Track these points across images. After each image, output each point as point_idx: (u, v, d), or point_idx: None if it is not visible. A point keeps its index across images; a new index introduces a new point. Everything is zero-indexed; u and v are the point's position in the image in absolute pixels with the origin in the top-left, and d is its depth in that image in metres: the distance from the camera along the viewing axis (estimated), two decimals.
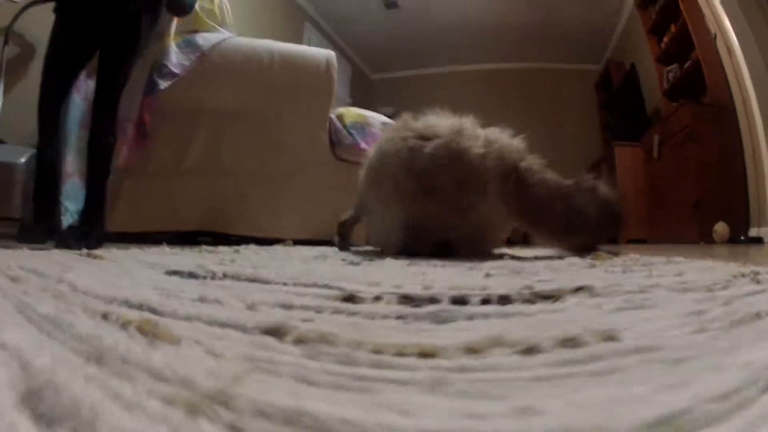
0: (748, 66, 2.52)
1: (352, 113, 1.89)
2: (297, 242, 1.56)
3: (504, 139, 1.09)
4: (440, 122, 1.11)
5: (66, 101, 1.33)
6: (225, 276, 0.52)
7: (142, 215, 1.66)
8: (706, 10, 2.78)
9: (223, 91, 1.74)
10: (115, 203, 1.59)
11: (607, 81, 4.85)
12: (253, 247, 1.28)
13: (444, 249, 1.09)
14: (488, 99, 4.68)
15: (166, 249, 1.08)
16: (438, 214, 1.06)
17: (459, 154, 1.03)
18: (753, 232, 2.42)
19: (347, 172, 1.85)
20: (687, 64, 3.20)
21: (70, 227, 1.27)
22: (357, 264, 0.80)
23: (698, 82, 3.01)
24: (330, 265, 0.76)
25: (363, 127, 1.85)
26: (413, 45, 5.20)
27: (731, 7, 2.56)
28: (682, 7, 3.04)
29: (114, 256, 0.82)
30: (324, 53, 1.84)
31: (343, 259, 0.90)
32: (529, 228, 1.14)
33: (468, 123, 1.10)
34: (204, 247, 1.22)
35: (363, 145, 1.78)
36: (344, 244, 1.30)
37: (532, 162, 1.07)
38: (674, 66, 3.48)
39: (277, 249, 1.26)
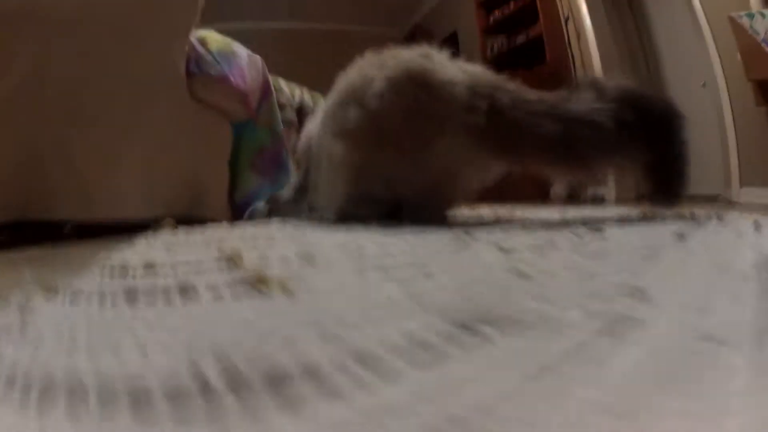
0: (599, 50, 2.83)
1: (217, 38, 1.37)
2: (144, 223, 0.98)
3: (480, 69, 0.94)
4: (407, 51, 0.93)
5: None
6: None
7: None
8: None
9: None
10: None
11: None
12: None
13: (395, 212, 0.90)
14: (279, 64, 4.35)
15: None
16: (386, 160, 0.86)
17: (419, 77, 0.85)
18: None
19: (204, 118, 1.34)
20: (519, 39, 3.46)
21: None
22: None
23: (531, 55, 3.26)
24: None
25: (229, 57, 1.36)
26: None
27: None
28: None
29: None
30: None
31: None
32: (521, 165, 0.92)
33: (437, 52, 0.93)
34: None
35: (234, 79, 1.30)
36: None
37: (508, 85, 0.88)
38: (500, 37, 3.74)
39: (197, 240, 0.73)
